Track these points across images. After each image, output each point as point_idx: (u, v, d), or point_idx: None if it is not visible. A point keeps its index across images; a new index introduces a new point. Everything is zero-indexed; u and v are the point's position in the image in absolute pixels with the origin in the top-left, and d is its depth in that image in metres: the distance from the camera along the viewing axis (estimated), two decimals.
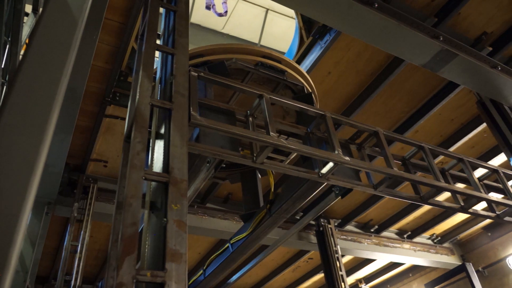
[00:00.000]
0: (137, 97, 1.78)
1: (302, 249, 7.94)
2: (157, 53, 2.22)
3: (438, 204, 3.61)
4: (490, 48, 4.48)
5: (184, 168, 1.65)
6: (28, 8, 3.12)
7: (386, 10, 3.63)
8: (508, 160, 4.77)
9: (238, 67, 3.16)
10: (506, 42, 4.46)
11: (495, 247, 8.60)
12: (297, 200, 3.25)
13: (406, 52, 3.90)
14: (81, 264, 4.76)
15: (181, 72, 2.03)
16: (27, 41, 2.65)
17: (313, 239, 7.18)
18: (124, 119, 4.92)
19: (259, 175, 3.91)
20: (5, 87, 2.67)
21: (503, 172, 4.10)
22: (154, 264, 1.46)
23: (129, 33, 3.97)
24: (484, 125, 5.34)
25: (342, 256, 7.05)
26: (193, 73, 2.36)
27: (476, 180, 3.79)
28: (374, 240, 7.79)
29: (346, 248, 7.37)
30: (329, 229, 7.09)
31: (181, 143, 1.73)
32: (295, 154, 3.41)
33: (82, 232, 4.94)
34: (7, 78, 2.60)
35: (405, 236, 8.34)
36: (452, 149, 5.83)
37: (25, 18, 3.00)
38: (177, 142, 1.72)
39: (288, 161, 3.64)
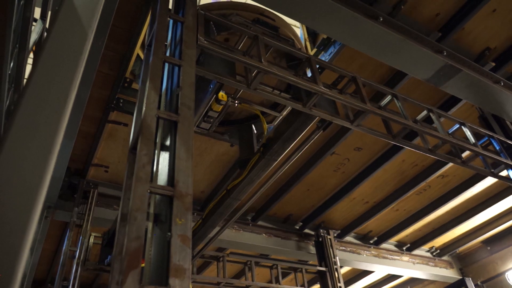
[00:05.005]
0: (144, 109, 1.79)
1: (301, 259, 7.91)
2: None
3: (407, 144, 3.85)
4: (493, 64, 4.50)
5: (189, 182, 1.65)
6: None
7: (390, 24, 3.65)
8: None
9: (238, 21, 3.50)
10: (509, 57, 4.48)
11: (494, 261, 8.57)
12: (287, 141, 3.62)
13: (410, 66, 3.91)
14: (79, 269, 4.73)
15: (188, 83, 2.04)
16: (33, 48, 2.66)
17: (312, 249, 7.16)
18: (126, 125, 4.92)
19: (255, 130, 4.28)
20: (10, 92, 2.68)
21: (469, 126, 4.43)
22: (157, 279, 1.46)
23: (134, 40, 3.98)
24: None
25: (341, 267, 7.02)
26: (200, 11, 2.79)
27: (443, 127, 4.03)
28: (373, 252, 7.77)
29: (345, 259, 7.34)
30: (328, 239, 7.07)
31: (186, 156, 1.73)
32: (287, 110, 4.02)
33: (81, 238, 4.92)
34: (13, 84, 2.61)
35: (404, 248, 8.31)
36: (451, 164, 5.81)
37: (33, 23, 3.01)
38: (182, 155, 1.72)
39: (281, 117, 4.23)
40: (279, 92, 3.71)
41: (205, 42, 2.56)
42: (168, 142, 1.89)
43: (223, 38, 3.59)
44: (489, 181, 6.65)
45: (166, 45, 2.59)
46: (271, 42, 3.14)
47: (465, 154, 4.47)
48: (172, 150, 1.79)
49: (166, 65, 2.32)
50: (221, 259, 6.54)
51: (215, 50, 2.63)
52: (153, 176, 1.79)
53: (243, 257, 6.81)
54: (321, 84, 3.15)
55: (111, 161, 5.52)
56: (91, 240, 5.35)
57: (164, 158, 1.82)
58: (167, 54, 2.38)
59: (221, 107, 3.72)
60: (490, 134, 4.64)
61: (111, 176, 5.77)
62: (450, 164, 5.88)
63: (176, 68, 2.19)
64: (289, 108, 3.92)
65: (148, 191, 1.55)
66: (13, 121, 1.33)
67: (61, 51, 1.45)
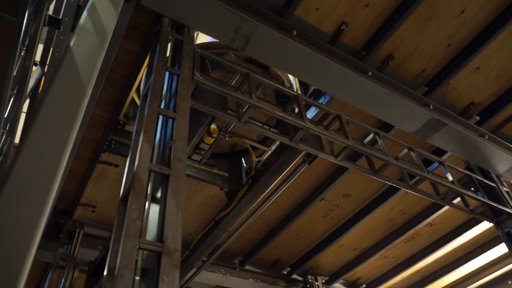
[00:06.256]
0: (137, 162, 1.82)
1: None
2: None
3: (387, 179, 3.98)
4: (478, 117, 4.65)
5: (178, 237, 1.66)
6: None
7: (379, 79, 3.79)
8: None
9: (232, 60, 3.72)
10: (493, 112, 4.64)
11: None
12: (274, 173, 3.79)
13: (397, 119, 4.02)
14: None
15: (181, 136, 2.09)
16: (30, 94, 2.71)
17: None
18: (117, 166, 4.92)
19: (244, 163, 4.40)
20: (4, 136, 2.70)
21: (447, 165, 4.55)
22: None
23: (130, 85, 4.07)
24: None
25: None
26: (197, 49, 3.03)
27: (422, 165, 4.13)
28: None
29: None
30: (317, 286, 6.96)
31: (176, 211, 1.75)
32: (276, 144, 4.22)
33: (63, 280, 4.78)
34: (7, 128, 2.64)
35: None
36: (439, 212, 5.88)
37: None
38: (173, 210, 1.74)
39: (269, 151, 4.43)
40: (268, 127, 3.88)
41: (200, 77, 2.76)
42: (159, 195, 1.91)
43: (217, 75, 3.77)
44: (476, 230, 6.68)
45: (161, 95, 2.66)
46: (262, 80, 3.33)
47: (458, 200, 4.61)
48: (162, 204, 1.80)
49: (160, 116, 2.38)
50: None
51: (209, 85, 2.82)
52: (142, 228, 1.80)
53: None
54: (307, 120, 3.32)
55: (99, 201, 5.47)
56: (76, 270, 5.20)
57: (154, 211, 1.83)
58: (162, 105, 2.44)
59: (212, 139, 3.88)
60: (469, 173, 4.74)
61: (98, 216, 5.69)
62: (438, 213, 5.92)
63: (170, 121, 2.25)
64: (277, 143, 4.13)
65: (137, 246, 1.56)
66: (9, 176, 1.35)
67: (58, 111, 1.50)
